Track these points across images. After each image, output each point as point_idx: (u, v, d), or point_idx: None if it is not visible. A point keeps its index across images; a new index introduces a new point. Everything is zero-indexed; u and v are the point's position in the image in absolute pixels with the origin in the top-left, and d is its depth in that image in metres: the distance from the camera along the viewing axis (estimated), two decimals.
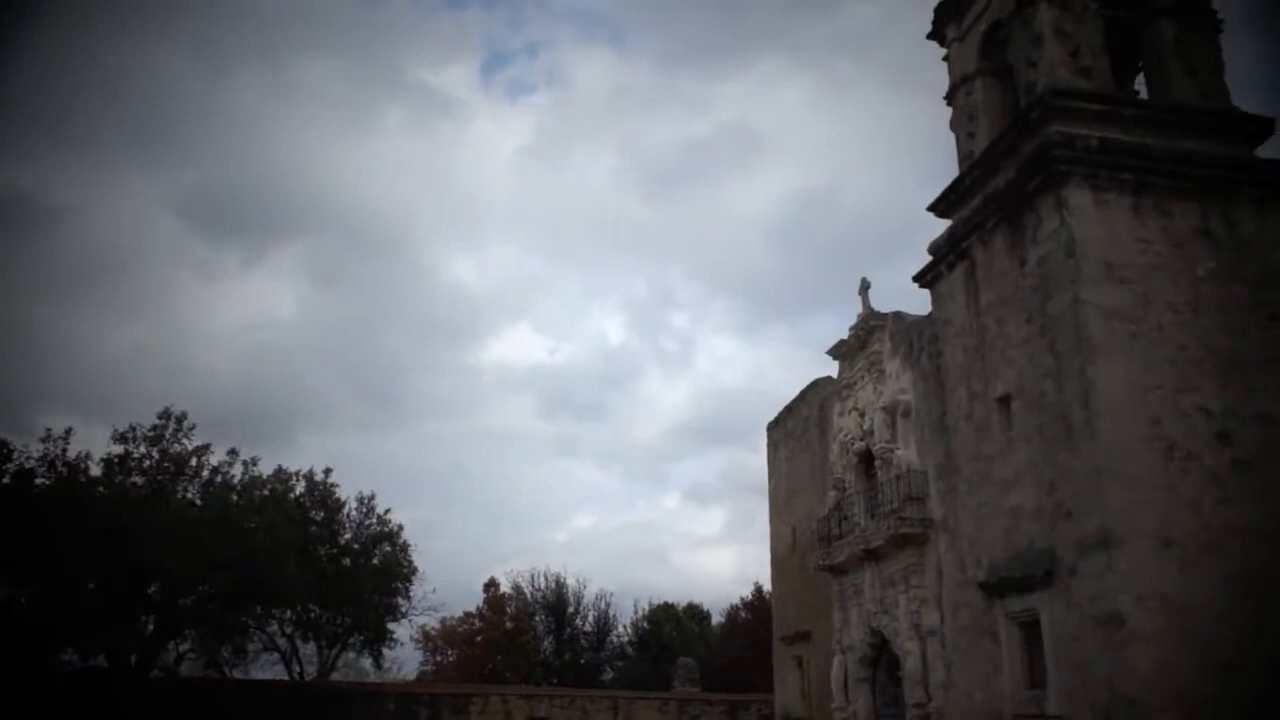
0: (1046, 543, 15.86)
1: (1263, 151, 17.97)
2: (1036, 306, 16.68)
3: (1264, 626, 14.28)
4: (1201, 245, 16.49)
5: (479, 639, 51.46)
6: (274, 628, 37.42)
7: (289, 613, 36.29)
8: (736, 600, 55.71)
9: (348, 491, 38.36)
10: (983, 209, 18.48)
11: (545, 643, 54.40)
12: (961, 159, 20.28)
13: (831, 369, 25.62)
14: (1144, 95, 19.08)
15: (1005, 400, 17.37)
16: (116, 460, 30.47)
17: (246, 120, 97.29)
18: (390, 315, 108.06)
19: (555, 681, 48.86)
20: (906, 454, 20.73)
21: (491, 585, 53.59)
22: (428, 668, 52.07)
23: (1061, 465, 15.67)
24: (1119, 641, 14.09)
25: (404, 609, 39.46)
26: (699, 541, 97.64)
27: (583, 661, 53.75)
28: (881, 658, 21.52)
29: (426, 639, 50.28)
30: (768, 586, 34.65)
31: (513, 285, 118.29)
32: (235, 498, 32.62)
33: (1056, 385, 15.94)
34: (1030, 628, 16.32)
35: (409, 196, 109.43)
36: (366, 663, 43.61)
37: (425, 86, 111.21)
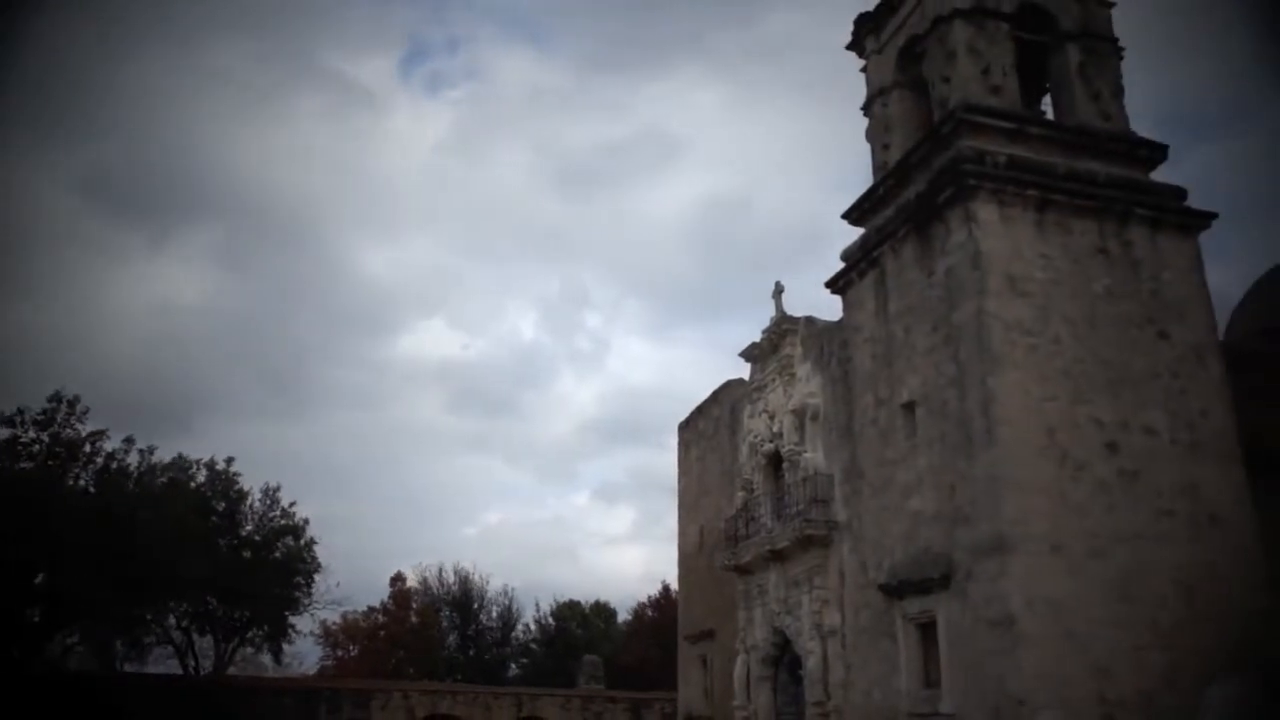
0: (945, 546, 16.29)
1: (1157, 175, 18.78)
2: (942, 316, 17.12)
3: (1139, 628, 14.98)
4: (1098, 263, 17.15)
5: (382, 634, 50.73)
6: (170, 621, 36.23)
7: (185, 605, 35.18)
8: (644, 599, 56.02)
9: (251, 482, 37.44)
10: (895, 219, 18.90)
11: (450, 638, 53.93)
12: (876, 169, 20.71)
13: (743, 371, 25.93)
14: (1050, 115, 19.74)
15: (910, 407, 17.79)
16: (2, 445, 29.09)
17: (153, 99, 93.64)
18: (300, 305, 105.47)
19: (459, 678, 48.43)
20: (814, 457, 21.08)
21: (398, 580, 52.89)
22: (328, 663, 51.11)
23: (961, 471, 16.12)
24: (1009, 643, 14.57)
25: (306, 603, 38.68)
26: (608, 540, 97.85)
27: (487, 658, 53.44)
28: (784, 657, 21.84)
29: (328, 634, 49.33)
30: (675, 586, 34.87)
31: (426, 279, 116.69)
32: (131, 486, 31.46)
33: (959, 393, 16.39)
34: (927, 629, 16.75)
35: (323, 186, 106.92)
36: (265, 658, 42.52)
37: (343, 76, 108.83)
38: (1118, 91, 19.28)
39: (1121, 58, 19.57)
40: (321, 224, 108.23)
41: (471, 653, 53.26)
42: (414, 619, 51.57)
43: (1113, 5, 19.94)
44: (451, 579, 54.01)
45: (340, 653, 51.23)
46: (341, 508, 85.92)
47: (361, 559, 79.07)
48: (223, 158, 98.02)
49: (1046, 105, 20.43)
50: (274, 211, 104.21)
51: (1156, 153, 18.77)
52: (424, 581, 53.75)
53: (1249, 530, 16.33)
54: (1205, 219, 18.22)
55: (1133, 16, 20.44)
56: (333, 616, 46.30)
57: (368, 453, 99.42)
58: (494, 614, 55.07)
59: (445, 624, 53.77)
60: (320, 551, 38.63)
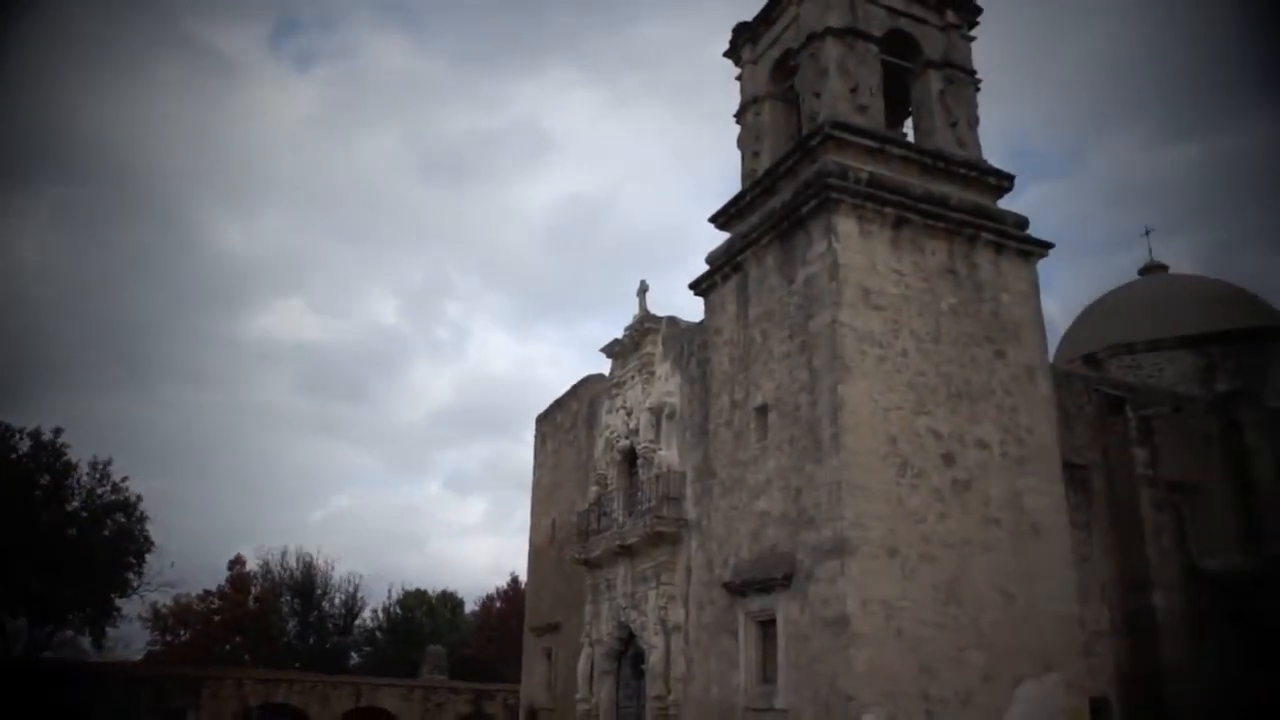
0: (789, 547, 16.77)
1: (1003, 203, 19.82)
2: (799, 324, 17.61)
3: (962, 630, 15.82)
4: (946, 282, 17.98)
5: (218, 619, 48.74)
6: None
7: None
8: (492, 590, 55.67)
9: (81, 455, 35.33)
10: (760, 226, 19.32)
11: (290, 624, 52.29)
12: (745, 176, 21.13)
13: (603, 368, 26.04)
14: (910, 138, 20.58)
15: (763, 410, 18.24)
16: None
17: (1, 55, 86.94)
18: (148, 275, 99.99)
19: (298, 665, 46.95)
20: (668, 455, 21.36)
21: (237, 563, 50.92)
22: (156, 648, 48.69)
23: (808, 475, 16.62)
24: (843, 642, 15.11)
25: (136, 584, 36.80)
26: (459, 530, 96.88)
27: (328, 646, 52.07)
28: (628, 651, 22.06)
29: (158, 617, 47.04)
30: (524, 578, 34.77)
31: (285, 258, 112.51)
32: None
33: (810, 399, 16.90)
34: (767, 626, 17.20)
35: (181, 154, 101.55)
36: (86, 641, 40.19)
37: (209, 44, 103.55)
38: (973, 121, 20.24)
39: (978, 89, 20.57)
40: (177, 193, 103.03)
41: (311, 640, 51.75)
42: (253, 604, 49.77)
43: (973, 39, 20.96)
44: (295, 564, 52.40)
45: (170, 637, 48.93)
46: (180, 487, 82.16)
47: (199, 540, 75.87)
48: (77, 120, 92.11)
49: (908, 128, 21.33)
50: (127, 176, 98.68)
51: (1005, 181, 19.79)
52: (265, 565, 51.99)
53: (1064, 541, 17.47)
54: (1044, 248, 19.33)
55: (989, 53, 21.56)
56: (165, 599, 44.31)
57: (212, 431, 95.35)
58: (338, 601, 53.78)
59: (286, 610, 52.12)
60: (154, 530, 36.95)
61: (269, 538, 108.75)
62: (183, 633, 48.90)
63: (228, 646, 47.91)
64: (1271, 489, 23.13)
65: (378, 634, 54.88)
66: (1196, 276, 32.92)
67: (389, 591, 56.17)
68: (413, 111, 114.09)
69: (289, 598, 51.97)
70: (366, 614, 54.91)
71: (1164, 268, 32.82)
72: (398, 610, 54.91)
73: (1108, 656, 19.73)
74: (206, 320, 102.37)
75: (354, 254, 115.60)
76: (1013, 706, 15.78)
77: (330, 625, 53.38)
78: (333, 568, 53.06)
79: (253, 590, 50.71)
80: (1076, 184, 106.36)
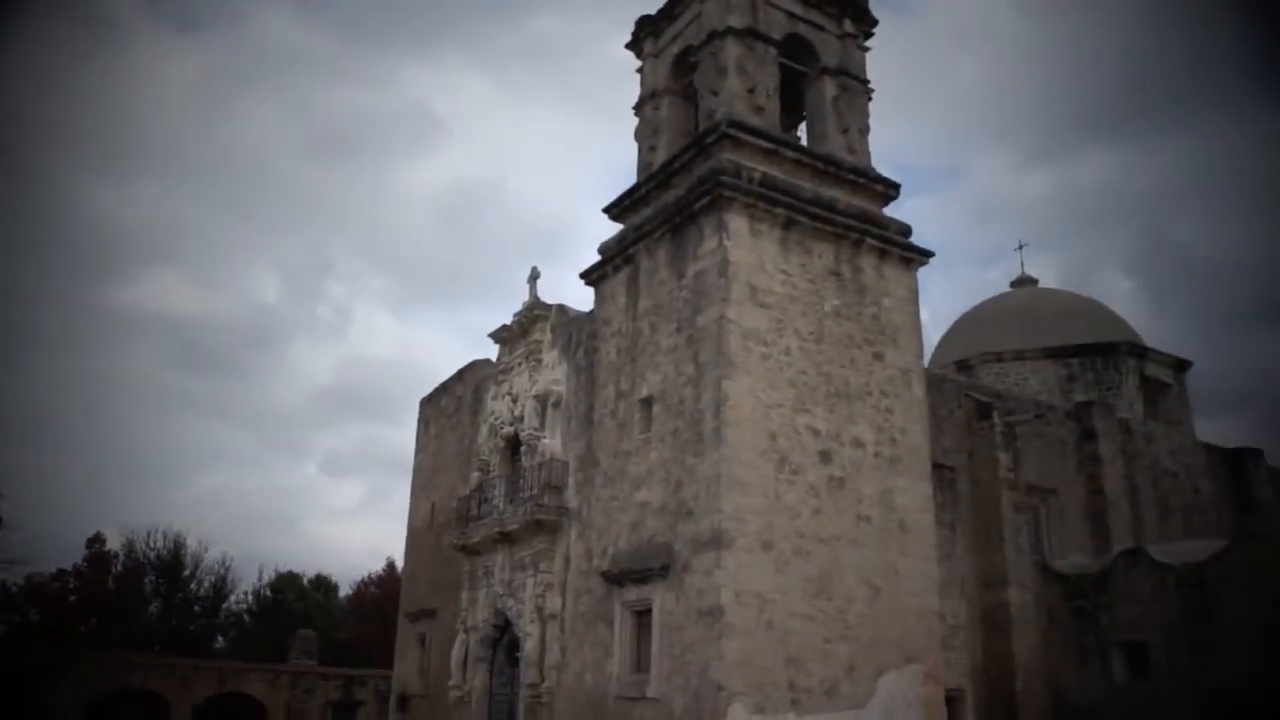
0: (668, 538, 16.98)
1: (888, 211, 20.45)
2: (687, 318, 17.83)
3: (830, 623, 16.34)
4: (831, 284, 18.48)
5: (73, 599, 46.39)
6: None
7: None
8: (367, 575, 54.65)
9: None
10: (653, 219, 19.46)
11: (153, 606, 50.23)
12: (641, 169, 21.25)
13: (490, 354, 25.84)
14: (804, 142, 21.03)
15: (648, 402, 18.40)
16: None
17: None
18: (6, 235, 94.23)
19: (159, 648, 45.16)
20: (551, 443, 21.35)
21: (96, 541, 48.52)
22: (1, 629, 46.04)
23: (688, 467, 16.86)
24: (716, 632, 15.39)
25: None
26: (335, 513, 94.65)
27: (193, 629, 50.25)
28: (503, 639, 21.98)
29: (6, 597, 44.48)
30: (401, 563, 34.24)
31: (159, 227, 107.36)
32: None
33: (694, 393, 17.13)
34: (643, 616, 17.38)
35: (47, 113, 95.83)
36: None
37: None
38: (864, 129, 20.82)
39: (870, 98, 21.17)
40: (42, 152, 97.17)
41: (174, 623, 49.83)
42: (113, 584, 47.59)
43: (868, 50, 21.54)
44: (160, 543, 50.32)
45: (18, 618, 46.33)
46: (35, 460, 77.74)
47: (58, 517, 71.94)
48: None
49: (801, 132, 21.79)
50: None
51: (891, 189, 20.42)
52: (129, 544, 49.76)
53: (929, 539, 18.21)
54: (925, 256, 20.04)
55: (879, 65, 22.24)
56: (14, 578, 41.92)
57: (72, 403, 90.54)
58: (206, 583, 51.88)
59: (149, 591, 50.04)
60: (6, 507, 34.81)
61: (134, 516, 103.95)
62: (32, 613, 46.38)
63: (83, 629, 45.68)
64: (1118, 494, 24.60)
65: (246, 617, 53.24)
66: (1063, 291, 34.70)
67: (259, 573, 54.63)
68: (300, 86, 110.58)
69: (153, 578, 49.90)
70: (235, 597, 53.22)
71: (1034, 281, 34.45)
72: (268, 593, 53.37)
73: (964, 649, 20.65)
74: (71, 286, 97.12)
75: (234, 227, 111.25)
76: (874, 697, 16.38)
77: (197, 608, 51.50)
78: (205, 549, 51.21)
79: (114, 570, 48.48)
80: (950, 200, 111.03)
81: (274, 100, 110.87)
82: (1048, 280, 35.46)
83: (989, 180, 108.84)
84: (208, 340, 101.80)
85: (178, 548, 50.35)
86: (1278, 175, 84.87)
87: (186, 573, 50.76)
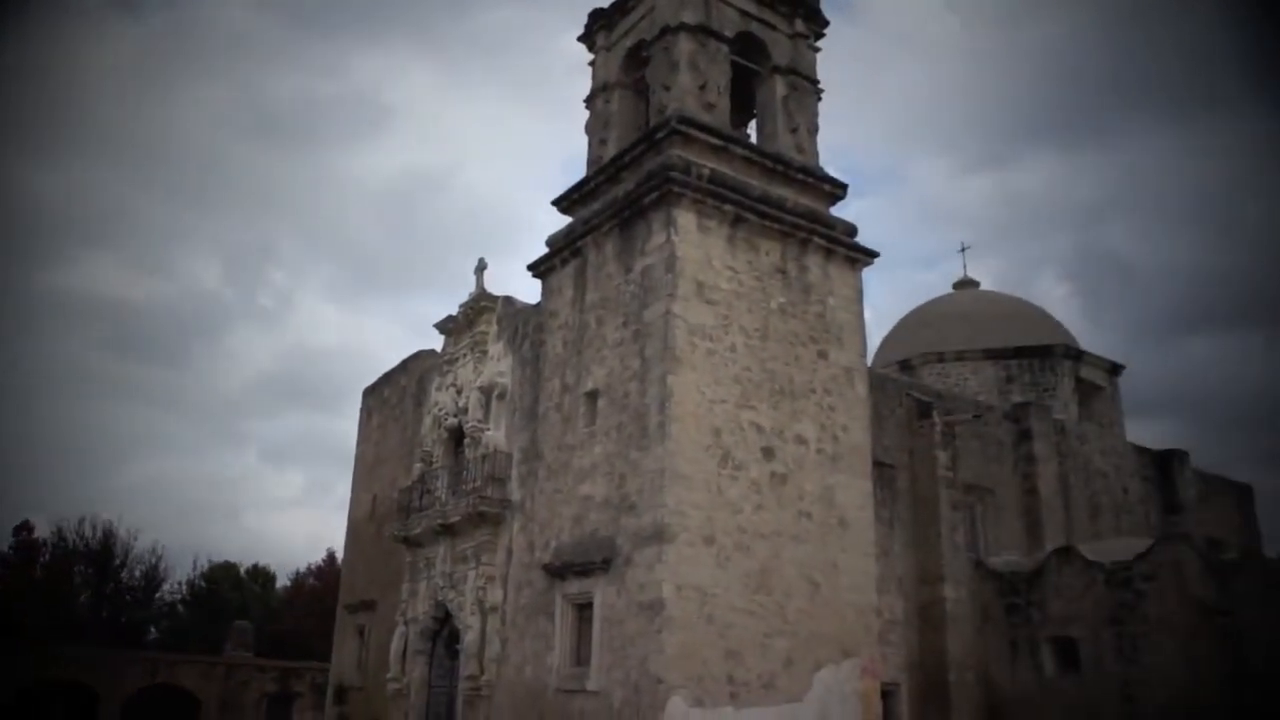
0: (610, 532, 17.02)
1: (834, 211, 20.67)
2: (634, 313, 17.86)
3: (769, 617, 16.53)
4: (777, 282, 18.63)
5: None
6: None
7: None
8: (306, 566, 53.93)
9: None
10: (602, 212, 19.45)
11: (83, 596, 49.01)
12: (590, 162, 21.22)
13: (435, 344, 25.63)
14: (754, 140, 21.15)
15: (593, 395, 18.41)
16: None
17: None
18: None
19: (91, 640, 44.07)
20: (495, 435, 21.24)
21: (24, 529, 47.24)
22: None
23: (632, 462, 16.91)
24: (657, 626, 15.48)
25: None
26: (274, 503, 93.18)
27: (124, 619, 49.11)
28: (443, 631, 21.85)
29: None
30: (342, 554, 33.83)
31: (93, 208, 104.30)
32: None
33: (640, 388, 17.18)
34: (584, 609, 17.41)
35: None
36: None
37: None
38: (813, 128, 21.00)
39: (820, 99, 21.36)
40: None
41: (106, 614, 48.68)
42: (41, 573, 46.36)
43: (819, 50, 21.72)
44: (91, 532, 49.08)
45: None
46: None
47: None
48: None
49: (751, 130, 21.92)
50: None
51: (839, 189, 20.63)
52: (58, 532, 48.48)
53: (868, 535, 18.47)
54: (870, 256, 20.29)
55: (829, 67, 22.43)
56: None
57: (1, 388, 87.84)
58: (138, 573, 50.72)
59: (79, 581, 48.81)
60: None
61: (64, 504, 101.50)
62: None
63: (9, 619, 44.42)
64: (1052, 494, 25.17)
65: (180, 608, 52.21)
66: (1003, 294, 35.34)
67: (194, 563, 53.60)
68: (244, 70, 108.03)
69: (83, 568, 48.69)
70: (168, 586, 52.14)
71: (976, 283, 35.05)
72: (202, 583, 52.36)
73: (901, 644, 20.98)
74: (1, 268, 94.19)
75: (173, 211, 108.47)
76: (811, 690, 16.47)
77: (129, 598, 50.35)
78: (135, 538, 50.03)
79: (41, 559, 47.24)
80: (894, 201, 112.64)
81: (217, 84, 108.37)
82: (988, 283, 36.10)
83: (932, 183, 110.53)
84: (144, 325, 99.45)
85: (107, 537, 49.20)
86: (1208, 185, 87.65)
87: (117, 562, 49.62)
